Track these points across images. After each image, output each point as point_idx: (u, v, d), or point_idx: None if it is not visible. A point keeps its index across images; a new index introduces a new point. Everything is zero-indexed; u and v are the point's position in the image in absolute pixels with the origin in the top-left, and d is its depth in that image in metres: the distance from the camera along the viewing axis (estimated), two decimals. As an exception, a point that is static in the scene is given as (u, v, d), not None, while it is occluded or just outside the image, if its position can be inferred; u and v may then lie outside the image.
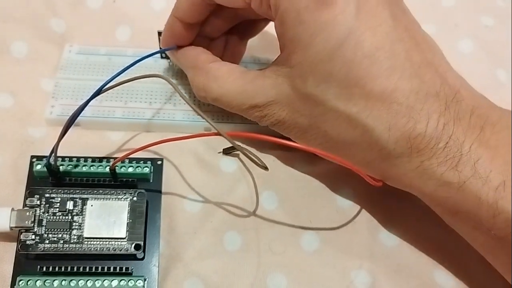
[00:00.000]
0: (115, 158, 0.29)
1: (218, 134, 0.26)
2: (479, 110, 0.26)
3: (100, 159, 0.30)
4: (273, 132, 0.30)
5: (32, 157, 0.30)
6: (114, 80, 0.28)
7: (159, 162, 0.31)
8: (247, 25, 0.33)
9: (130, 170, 0.29)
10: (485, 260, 0.29)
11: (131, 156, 0.29)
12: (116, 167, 0.29)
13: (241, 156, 0.32)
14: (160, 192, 0.30)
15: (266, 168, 0.29)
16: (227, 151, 0.32)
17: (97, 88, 0.29)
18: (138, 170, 0.30)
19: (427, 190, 0.26)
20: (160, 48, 0.33)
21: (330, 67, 0.25)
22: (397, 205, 0.32)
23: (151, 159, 0.31)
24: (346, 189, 0.32)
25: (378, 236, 0.31)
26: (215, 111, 0.33)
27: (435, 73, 0.26)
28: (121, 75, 0.28)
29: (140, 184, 0.30)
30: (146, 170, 0.30)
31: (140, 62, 0.31)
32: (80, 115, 0.31)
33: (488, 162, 0.24)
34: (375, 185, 0.28)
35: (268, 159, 0.32)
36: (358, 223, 0.31)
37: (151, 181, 0.30)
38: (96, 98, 0.31)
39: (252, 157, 0.30)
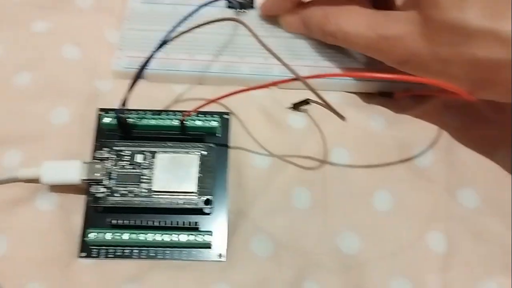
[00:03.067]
0: (183, 111, 0.29)
1: (295, 79, 0.24)
2: None
3: (168, 112, 0.29)
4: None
5: (100, 109, 0.30)
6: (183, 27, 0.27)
7: (226, 116, 0.30)
8: None
9: (199, 123, 0.29)
10: None
11: (199, 109, 0.28)
12: (185, 121, 0.28)
13: (310, 111, 0.31)
14: (227, 146, 0.30)
15: (343, 117, 0.27)
16: (297, 106, 0.31)
17: (161, 39, 0.28)
18: (207, 124, 0.29)
19: None
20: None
21: None
22: (478, 164, 0.30)
23: (219, 113, 0.30)
24: (424, 147, 0.30)
25: (457, 197, 0.29)
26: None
27: None
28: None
29: (208, 138, 0.29)
30: (215, 124, 0.29)
31: (206, 12, 0.30)
32: (146, 68, 0.30)
33: None
34: (470, 99, 0.26)
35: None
36: (435, 183, 0.29)
37: (219, 135, 0.30)
38: (162, 50, 0.31)
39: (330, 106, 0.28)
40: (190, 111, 0.27)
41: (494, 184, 0.30)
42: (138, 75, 0.26)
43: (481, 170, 0.30)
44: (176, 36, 0.27)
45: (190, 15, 0.28)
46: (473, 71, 0.25)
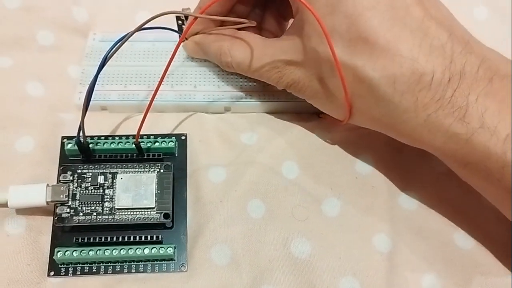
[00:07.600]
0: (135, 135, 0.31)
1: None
2: (488, 63, 0.26)
3: (125, 136, 0.32)
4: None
5: (63, 137, 0.32)
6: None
7: (183, 137, 0.32)
8: (282, 6, 0.34)
9: (156, 144, 0.31)
10: (504, 220, 0.30)
11: (157, 132, 0.31)
12: (142, 143, 0.31)
13: (261, 128, 0.34)
14: (185, 165, 0.32)
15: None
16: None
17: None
18: (164, 145, 0.31)
19: (437, 144, 0.26)
20: (179, 33, 0.34)
21: (332, 22, 0.26)
22: (415, 169, 0.33)
23: (176, 135, 0.32)
24: (365, 155, 0.33)
25: (398, 200, 0.32)
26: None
27: (440, 26, 0.26)
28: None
29: (166, 158, 0.31)
30: (171, 144, 0.31)
31: (161, 46, 0.34)
32: (107, 99, 0.33)
33: (496, 114, 0.25)
34: (340, 124, 0.30)
35: (287, 131, 0.34)
36: (377, 188, 0.32)
37: (176, 155, 0.32)
38: (121, 83, 0.33)
39: None
40: (138, 134, 0.30)
41: (430, 186, 0.32)
42: (88, 100, 0.28)
43: (418, 174, 0.33)
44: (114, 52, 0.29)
45: (131, 35, 0.30)
46: (336, 100, 0.28)
